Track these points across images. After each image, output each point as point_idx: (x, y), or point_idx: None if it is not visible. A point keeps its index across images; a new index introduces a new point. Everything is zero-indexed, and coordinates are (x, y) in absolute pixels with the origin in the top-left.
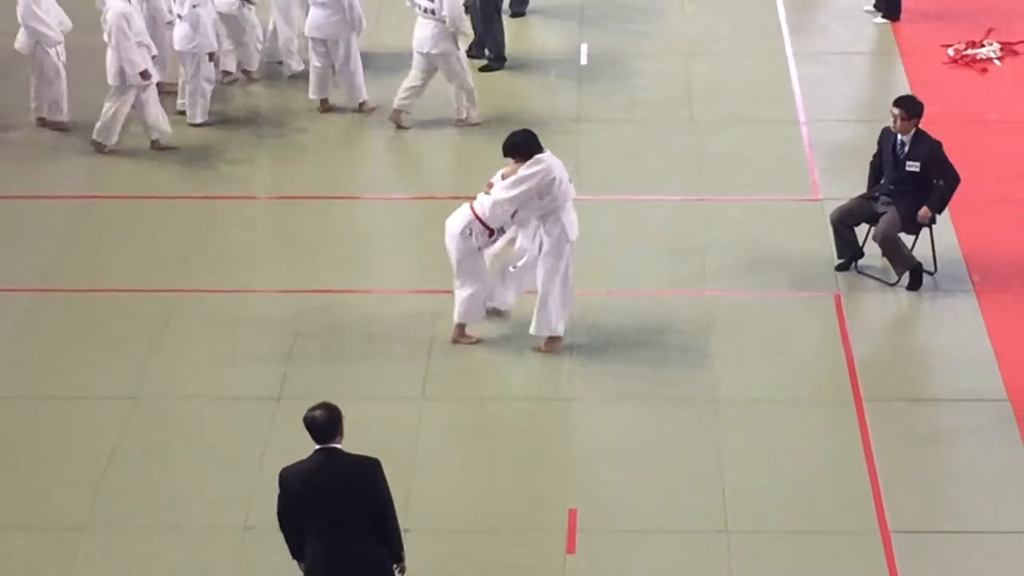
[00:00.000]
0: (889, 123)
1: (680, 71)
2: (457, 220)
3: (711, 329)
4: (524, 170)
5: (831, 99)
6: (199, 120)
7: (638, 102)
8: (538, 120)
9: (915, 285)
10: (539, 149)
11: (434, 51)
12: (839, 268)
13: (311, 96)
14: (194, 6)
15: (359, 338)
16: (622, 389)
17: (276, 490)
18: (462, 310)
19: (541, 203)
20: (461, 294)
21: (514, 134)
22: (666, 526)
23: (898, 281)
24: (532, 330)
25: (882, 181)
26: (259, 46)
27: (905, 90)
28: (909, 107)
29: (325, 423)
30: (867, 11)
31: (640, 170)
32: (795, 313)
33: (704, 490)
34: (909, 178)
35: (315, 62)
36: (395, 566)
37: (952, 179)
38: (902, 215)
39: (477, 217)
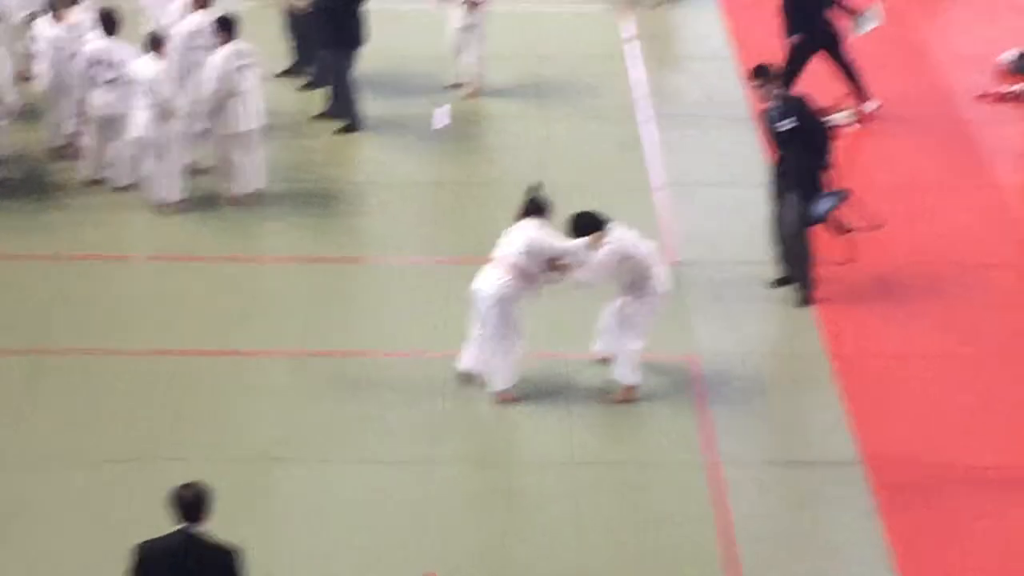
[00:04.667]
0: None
1: (537, 134)
2: (490, 282)
3: (569, 392)
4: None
5: (688, 163)
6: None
7: (494, 165)
8: (394, 184)
9: (802, 303)
10: (602, 225)
11: None
12: (773, 284)
13: None
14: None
15: (233, 400)
16: (483, 453)
17: None
18: (500, 377)
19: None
20: (495, 359)
21: (579, 216)
22: None
23: (783, 284)
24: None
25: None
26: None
27: (760, 151)
28: (759, 73)
29: (191, 503)
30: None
31: (495, 233)
32: (651, 376)
33: (561, 552)
34: (788, 139)
35: None
36: None
37: (821, 134)
38: (799, 177)
39: (511, 270)
